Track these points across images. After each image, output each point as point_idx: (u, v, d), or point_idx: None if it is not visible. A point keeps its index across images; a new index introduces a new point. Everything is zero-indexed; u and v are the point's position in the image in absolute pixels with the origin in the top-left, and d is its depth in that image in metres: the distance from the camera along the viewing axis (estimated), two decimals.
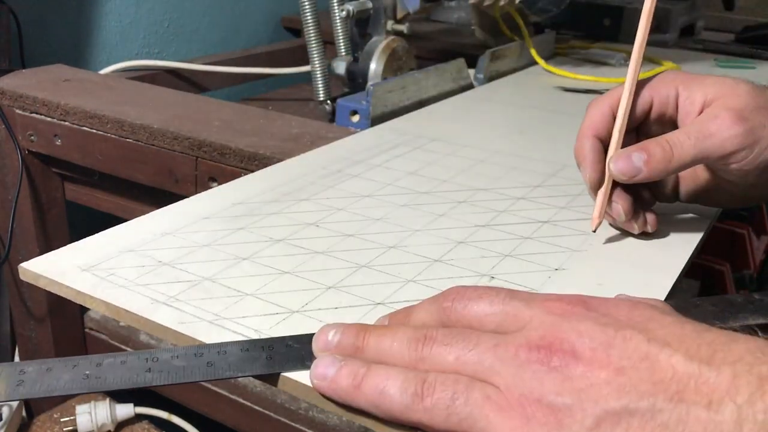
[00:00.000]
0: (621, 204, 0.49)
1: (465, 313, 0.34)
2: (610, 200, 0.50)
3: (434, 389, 0.31)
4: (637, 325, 0.31)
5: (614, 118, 0.50)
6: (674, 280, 0.46)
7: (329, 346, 0.35)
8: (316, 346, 0.35)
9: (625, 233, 0.52)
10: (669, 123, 0.50)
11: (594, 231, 0.50)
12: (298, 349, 0.36)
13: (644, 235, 0.51)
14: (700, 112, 0.47)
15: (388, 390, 0.32)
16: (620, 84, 0.50)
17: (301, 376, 0.35)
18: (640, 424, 0.28)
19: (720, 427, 0.27)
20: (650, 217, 0.51)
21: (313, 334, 0.36)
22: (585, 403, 0.29)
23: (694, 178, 0.52)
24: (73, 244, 0.47)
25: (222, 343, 0.36)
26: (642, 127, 0.51)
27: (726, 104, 0.46)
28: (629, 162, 0.46)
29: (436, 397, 0.31)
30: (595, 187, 0.50)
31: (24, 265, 0.44)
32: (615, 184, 0.49)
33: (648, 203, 0.53)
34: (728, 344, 0.29)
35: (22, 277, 0.45)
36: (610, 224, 0.52)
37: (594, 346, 0.30)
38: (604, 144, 0.50)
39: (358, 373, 0.33)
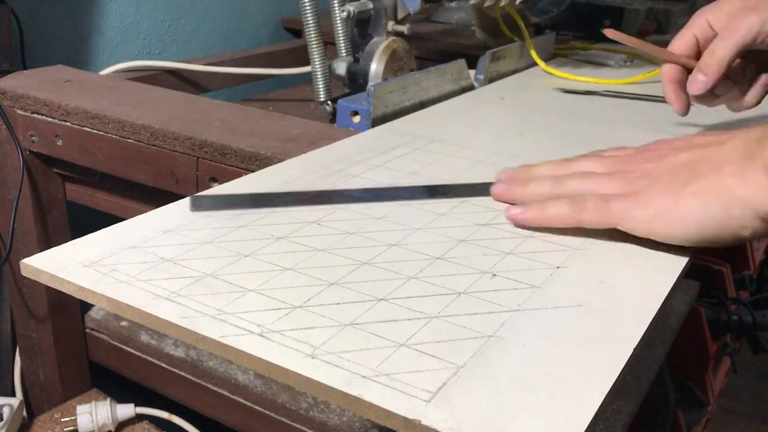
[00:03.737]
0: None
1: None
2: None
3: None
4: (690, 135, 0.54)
5: (683, 64, 0.67)
6: (675, 280, 0.47)
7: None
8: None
9: (626, 233, 0.52)
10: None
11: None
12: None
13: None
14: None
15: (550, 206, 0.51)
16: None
17: (303, 369, 0.35)
18: (683, 159, 0.49)
19: (722, 150, 0.47)
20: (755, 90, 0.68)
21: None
22: (656, 163, 0.51)
23: (755, 63, 0.67)
24: (74, 240, 0.47)
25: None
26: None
27: (737, 6, 0.64)
28: (696, 81, 0.65)
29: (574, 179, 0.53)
30: (684, 114, 0.69)
31: (26, 260, 0.44)
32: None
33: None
34: (748, 127, 0.48)
35: (23, 272, 0.45)
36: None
37: (663, 143, 0.54)
38: (681, 84, 0.68)
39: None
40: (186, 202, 0.55)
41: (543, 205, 0.52)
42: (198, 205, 0.53)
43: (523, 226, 0.52)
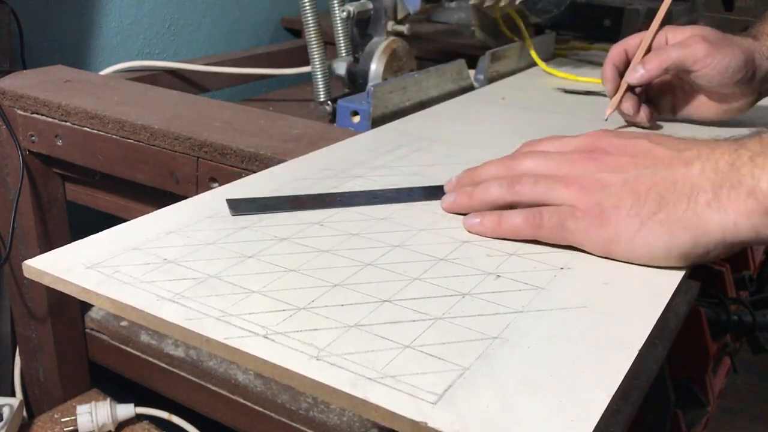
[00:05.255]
0: (629, 103, 0.73)
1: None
2: (620, 103, 0.73)
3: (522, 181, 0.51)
4: (643, 135, 0.52)
5: (626, 54, 0.74)
6: (679, 281, 0.47)
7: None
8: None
9: None
10: None
11: (606, 120, 0.75)
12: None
13: None
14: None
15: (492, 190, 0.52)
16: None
17: (309, 371, 0.35)
18: (648, 178, 0.47)
19: (691, 174, 0.46)
20: (645, 111, 0.74)
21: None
22: (616, 174, 0.48)
23: (683, 95, 0.74)
24: (77, 241, 0.47)
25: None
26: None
27: (696, 33, 0.70)
28: (636, 69, 0.71)
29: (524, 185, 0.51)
30: (612, 95, 0.74)
31: (28, 262, 0.44)
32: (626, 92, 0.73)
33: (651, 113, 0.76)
34: (709, 144, 0.48)
35: (26, 274, 0.44)
36: (626, 120, 0.76)
37: (617, 146, 0.51)
38: (619, 70, 0.74)
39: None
40: (189, 201, 0.55)
41: (499, 216, 0.51)
42: (238, 209, 0.53)
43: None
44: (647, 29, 0.74)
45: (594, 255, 0.48)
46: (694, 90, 0.73)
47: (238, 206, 0.54)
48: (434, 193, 0.58)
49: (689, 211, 0.45)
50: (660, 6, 0.75)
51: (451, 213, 0.55)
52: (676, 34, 0.72)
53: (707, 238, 0.45)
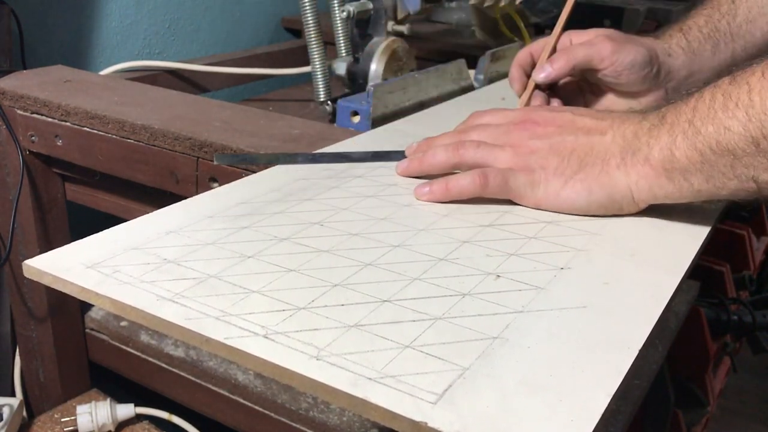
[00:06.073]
0: (537, 101, 0.74)
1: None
2: (529, 101, 0.74)
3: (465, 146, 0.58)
4: (568, 110, 0.59)
5: (532, 57, 0.76)
6: (679, 280, 0.47)
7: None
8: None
9: (629, 234, 0.52)
10: None
11: None
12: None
13: (650, 233, 0.52)
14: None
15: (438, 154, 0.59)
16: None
17: (309, 371, 0.35)
18: (570, 143, 0.55)
19: (605, 141, 0.54)
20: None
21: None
22: (543, 140, 0.56)
23: (592, 96, 0.75)
24: (77, 241, 0.47)
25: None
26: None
27: (600, 33, 0.72)
28: (543, 68, 0.72)
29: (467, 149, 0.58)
30: (520, 94, 0.76)
31: (28, 262, 0.44)
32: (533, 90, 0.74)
33: None
34: (621, 116, 0.56)
35: (26, 274, 0.44)
36: None
37: (546, 118, 0.58)
38: (526, 72, 0.76)
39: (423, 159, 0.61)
40: (189, 201, 0.55)
41: (446, 181, 0.57)
42: (222, 159, 0.60)
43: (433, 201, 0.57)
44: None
45: (528, 208, 0.56)
46: (602, 90, 0.75)
47: (222, 158, 0.60)
48: (386, 155, 0.65)
49: (603, 172, 0.53)
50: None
51: (405, 176, 0.62)
52: (580, 35, 0.74)
53: (619, 195, 0.53)
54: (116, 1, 1.10)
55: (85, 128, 0.78)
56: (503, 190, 0.56)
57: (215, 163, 0.56)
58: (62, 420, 0.90)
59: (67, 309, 0.93)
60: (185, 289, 0.42)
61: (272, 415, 0.81)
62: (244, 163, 0.60)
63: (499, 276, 0.46)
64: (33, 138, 0.83)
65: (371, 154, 0.65)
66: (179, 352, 0.87)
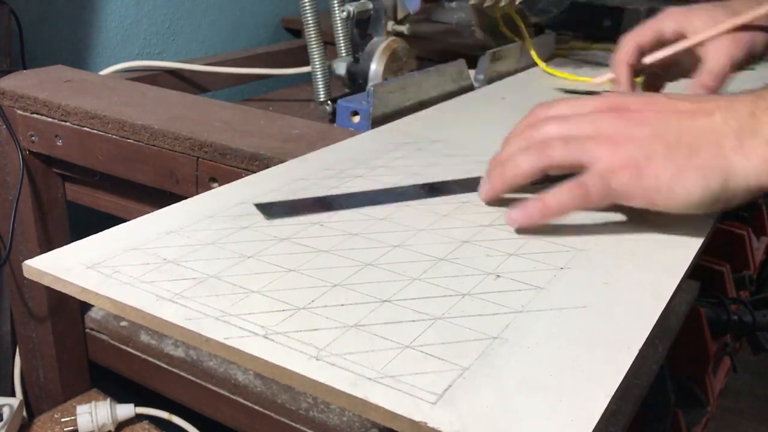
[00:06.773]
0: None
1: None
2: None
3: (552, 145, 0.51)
4: (660, 94, 0.55)
5: (639, 48, 0.72)
6: (679, 280, 0.47)
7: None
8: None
9: (629, 233, 0.52)
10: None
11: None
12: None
13: (650, 233, 0.52)
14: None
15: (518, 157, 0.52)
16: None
17: (308, 371, 0.35)
18: (675, 128, 0.49)
19: (714, 123, 0.48)
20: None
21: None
22: (643, 127, 0.49)
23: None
24: (77, 241, 0.47)
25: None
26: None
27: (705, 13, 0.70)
28: (654, 57, 0.72)
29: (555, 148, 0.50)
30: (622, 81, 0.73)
31: (28, 262, 0.44)
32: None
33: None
34: (726, 97, 0.50)
35: (26, 274, 0.44)
36: None
37: (639, 103, 0.51)
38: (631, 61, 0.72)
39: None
40: (189, 201, 0.55)
41: (541, 199, 0.50)
42: (272, 213, 0.53)
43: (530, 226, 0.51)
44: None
45: (638, 207, 0.49)
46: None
47: (272, 211, 0.53)
48: (432, 190, 0.59)
49: (719, 157, 0.47)
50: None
51: (491, 202, 0.55)
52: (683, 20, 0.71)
53: (735, 183, 0.47)
54: (116, 1, 1.11)
55: (85, 128, 0.78)
56: (608, 194, 0.48)
57: (267, 220, 0.52)
58: (62, 420, 0.91)
59: (67, 309, 0.93)
60: (185, 289, 0.42)
61: (272, 415, 0.81)
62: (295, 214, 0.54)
63: (498, 276, 0.46)
64: (33, 138, 0.83)
65: (428, 187, 0.58)
66: (179, 352, 0.87)
